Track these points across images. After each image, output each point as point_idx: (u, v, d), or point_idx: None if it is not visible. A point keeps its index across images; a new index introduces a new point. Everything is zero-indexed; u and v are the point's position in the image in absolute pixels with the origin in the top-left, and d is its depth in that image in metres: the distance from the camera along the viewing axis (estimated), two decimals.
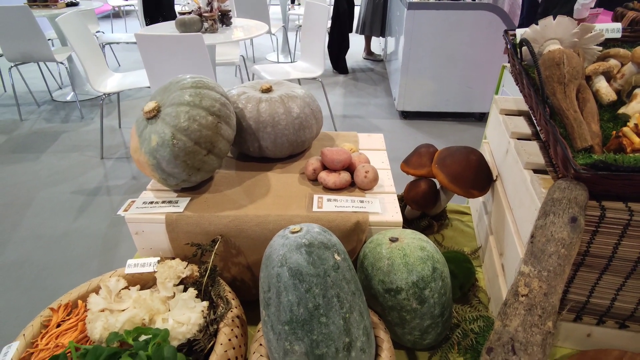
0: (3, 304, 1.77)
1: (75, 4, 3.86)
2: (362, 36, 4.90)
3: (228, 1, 3.23)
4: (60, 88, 4.36)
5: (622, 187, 0.56)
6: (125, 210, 0.76)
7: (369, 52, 5.00)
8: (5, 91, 4.30)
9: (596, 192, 0.58)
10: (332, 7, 4.45)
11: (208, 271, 0.68)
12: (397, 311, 0.63)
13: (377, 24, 4.50)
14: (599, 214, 0.58)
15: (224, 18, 3.15)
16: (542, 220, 0.57)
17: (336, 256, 0.54)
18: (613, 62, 0.73)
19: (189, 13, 3.03)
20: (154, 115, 0.74)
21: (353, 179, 0.82)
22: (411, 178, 0.97)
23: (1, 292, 1.83)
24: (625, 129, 0.59)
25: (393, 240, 0.65)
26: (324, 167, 0.83)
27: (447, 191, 0.95)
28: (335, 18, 4.37)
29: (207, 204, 0.77)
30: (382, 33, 4.59)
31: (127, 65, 5.09)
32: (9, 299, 1.79)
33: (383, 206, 0.77)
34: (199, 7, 3.04)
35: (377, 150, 0.97)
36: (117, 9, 6.94)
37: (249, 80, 3.92)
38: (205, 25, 3.00)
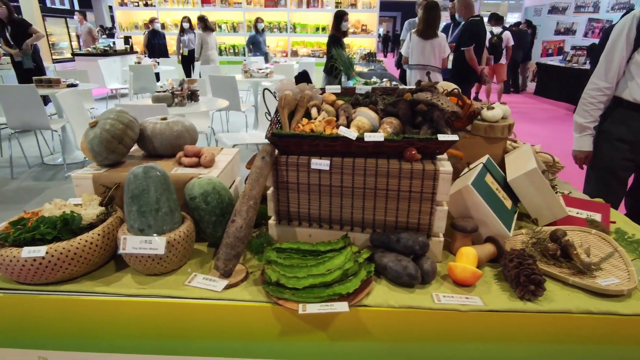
0: None
1: (75, 85, 5.00)
2: None
3: (197, 83, 4.31)
4: (52, 154, 5.33)
5: (292, 146, 1.36)
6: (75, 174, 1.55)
7: None
8: (2, 156, 5.27)
9: (285, 150, 1.38)
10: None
11: (108, 195, 1.45)
12: (196, 211, 1.39)
13: None
14: (286, 160, 1.37)
15: (192, 95, 4.18)
16: (255, 162, 1.35)
17: (158, 172, 1.32)
18: (325, 103, 1.57)
19: (165, 91, 4.07)
20: (94, 125, 1.56)
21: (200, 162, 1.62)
22: None
23: None
24: (299, 124, 1.40)
25: (199, 178, 1.43)
26: (186, 156, 1.63)
27: None
28: None
29: (117, 171, 1.56)
30: None
31: None
32: None
33: (213, 172, 1.55)
34: (172, 87, 4.10)
35: (228, 154, 1.78)
36: (113, 91, 8.33)
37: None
38: (176, 100, 4.01)
